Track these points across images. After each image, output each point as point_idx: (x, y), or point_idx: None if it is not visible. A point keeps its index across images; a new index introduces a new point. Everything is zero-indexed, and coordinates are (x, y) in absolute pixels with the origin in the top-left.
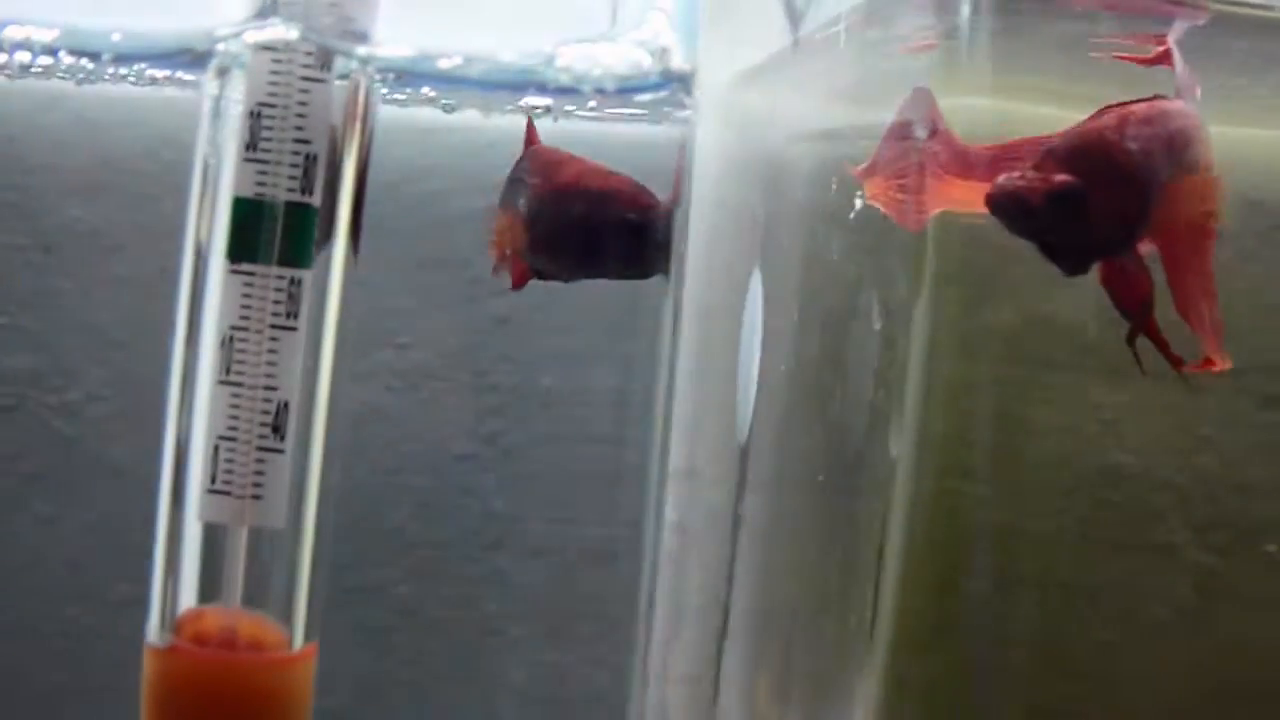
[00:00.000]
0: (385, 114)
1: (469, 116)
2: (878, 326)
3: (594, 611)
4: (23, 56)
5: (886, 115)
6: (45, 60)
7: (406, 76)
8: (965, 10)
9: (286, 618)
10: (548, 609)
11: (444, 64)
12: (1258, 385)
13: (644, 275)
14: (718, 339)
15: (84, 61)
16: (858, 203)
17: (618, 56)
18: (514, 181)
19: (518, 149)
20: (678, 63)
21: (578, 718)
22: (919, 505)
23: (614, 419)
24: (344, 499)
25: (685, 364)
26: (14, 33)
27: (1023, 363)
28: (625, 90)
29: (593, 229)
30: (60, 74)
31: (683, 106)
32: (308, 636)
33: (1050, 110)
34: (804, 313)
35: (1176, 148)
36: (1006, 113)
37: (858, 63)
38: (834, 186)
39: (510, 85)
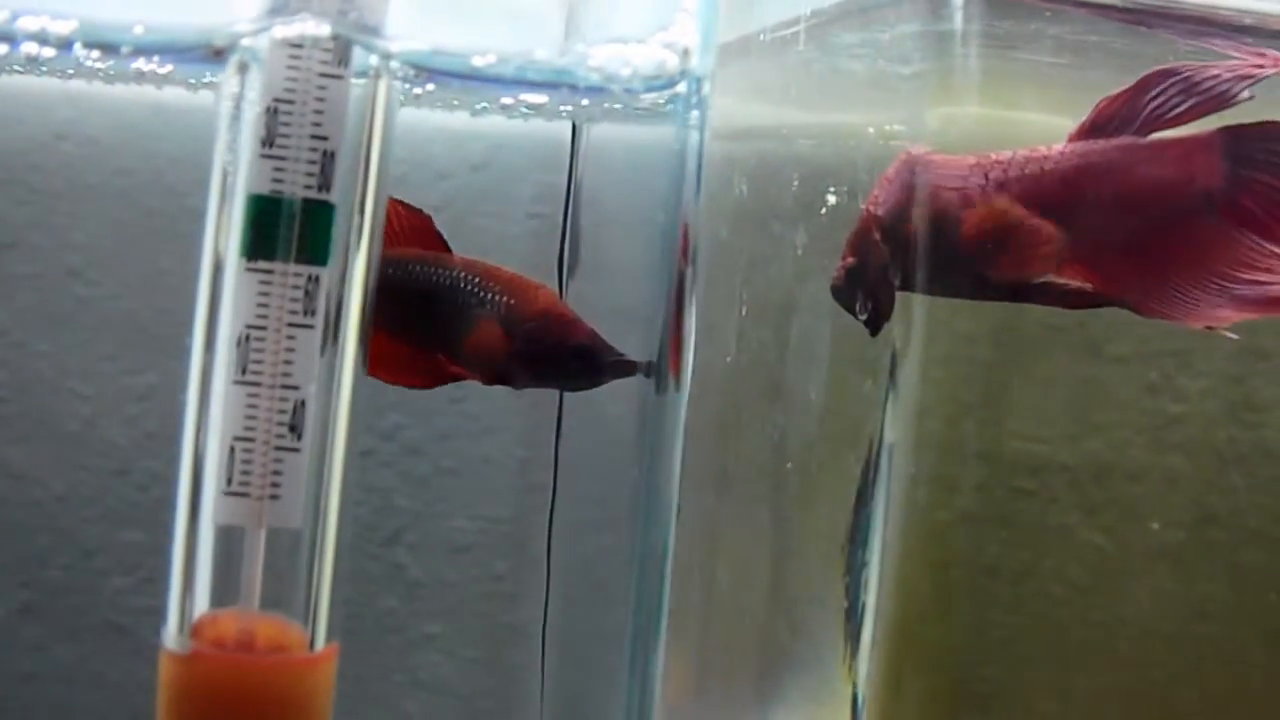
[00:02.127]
0: None
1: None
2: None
3: (496, 606)
4: (31, 48)
5: (855, 117)
6: (49, 53)
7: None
8: (958, 18)
9: (306, 618)
10: (448, 604)
11: (478, 61)
12: (1141, 373)
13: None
14: None
15: (96, 54)
16: (830, 199)
17: (645, 57)
18: (470, 294)
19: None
20: (697, 64)
21: (481, 713)
22: (917, 489)
23: (522, 417)
24: None
25: None
26: (28, 23)
27: (1011, 347)
28: (651, 90)
29: (592, 358)
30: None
31: (701, 107)
32: (328, 637)
33: (1042, 117)
34: (754, 306)
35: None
36: (999, 120)
37: (820, 64)
38: (795, 183)
39: (546, 85)
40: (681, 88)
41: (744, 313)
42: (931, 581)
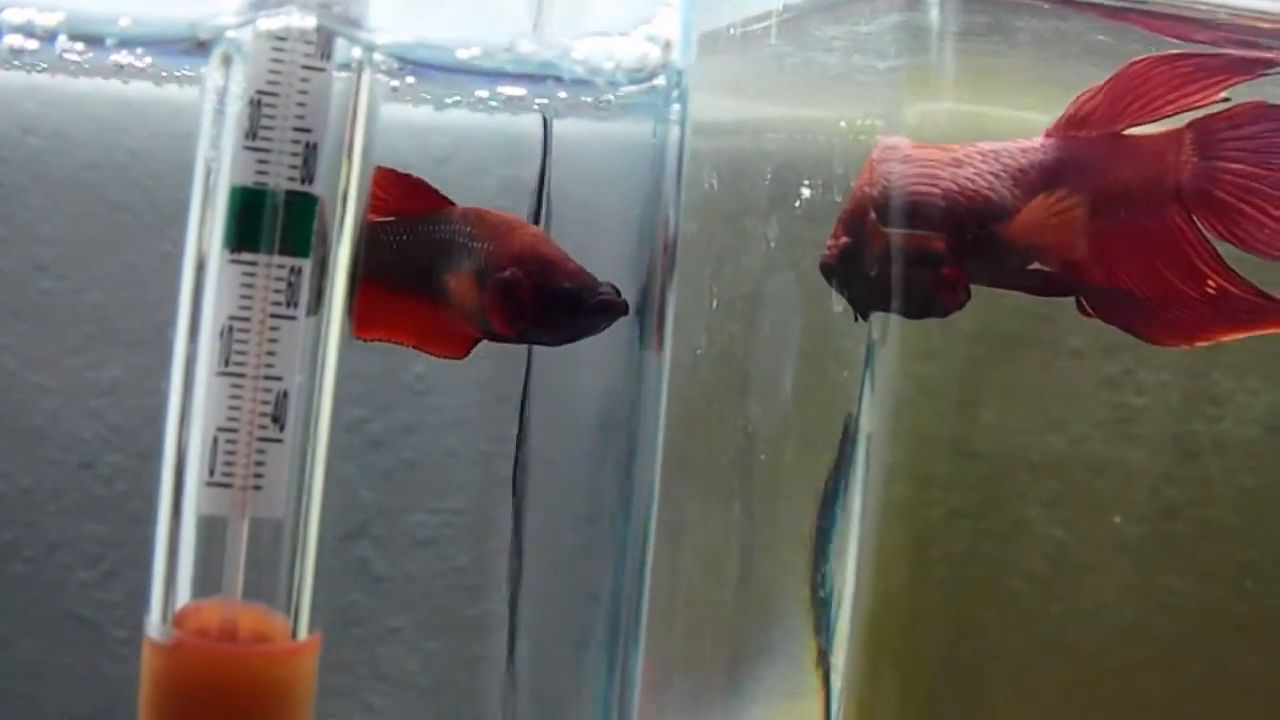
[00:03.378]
0: None
1: None
2: (839, 309)
3: (459, 599)
4: (15, 40)
5: (829, 111)
6: (32, 45)
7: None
8: (934, 13)
9: (289, 608)
10: (411, 598)
11: (463, 54)
12: (1099, 367)
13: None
14: None
15: (80, 47)
16: (804, 192)
17: (628, 50)
18: (446, 243)
19: None
20: (678, 57)
21: (447, 707)
22: (895, 480)
23: (487, 410)
24: None
25: None
26: (13, 15)
27: (986, 341)
28: (633, 82)
29: (575, 301)
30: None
31: (682, 100)
32: (311, 627)
33: (1019, 113)
34: (724, 299)
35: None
36: (975, 115)
37: (793, 58)
38: (767, 177)
39: (529, 78)
40: (661, 80)
41: (714, 305)
42: (908, 572)
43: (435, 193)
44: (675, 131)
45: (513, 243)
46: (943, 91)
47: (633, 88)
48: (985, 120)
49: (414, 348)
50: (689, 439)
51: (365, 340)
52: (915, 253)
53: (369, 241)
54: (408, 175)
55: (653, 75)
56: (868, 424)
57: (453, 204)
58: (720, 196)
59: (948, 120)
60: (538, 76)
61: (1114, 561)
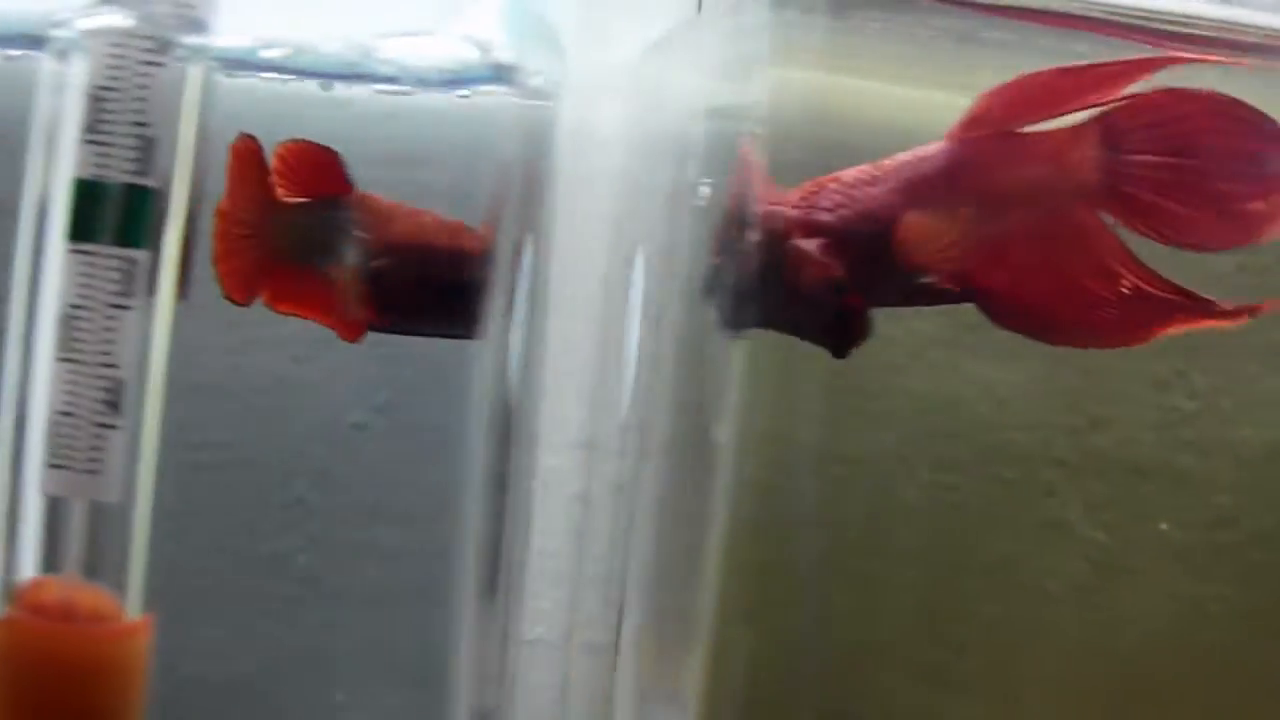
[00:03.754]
0: None
1: None
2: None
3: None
4: None
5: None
6: None
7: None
8: None
9: (122, 589)
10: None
11: (268, 54)
12: (1149, 367)
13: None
14: (616, 312)
15: None
16: (703, 189)
17: (442, 49)
18: (337, 231)
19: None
20: (503, 56)
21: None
22: (740, 492)
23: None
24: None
25: (588, 335)
26: None
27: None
28: (450, 83)
29: (443, 290)
30: None
31: (508, 97)
32: (144, 608)
33: (885, 86)
34: (667, 294)
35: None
36: (840, 87)
37: (732, 43)
38: (688, 166)
39: (335, 75)
40: (488, 77)
41: (667, 300)
42: (741, 585)
43: (342, 172)
44: (504, 123)
45: (388, 232)
46: (807, 63)
47: (465, 86)
48: (843, 91)
49: (321, 324)
50: (644, 433)
51: (280, 313)
52: (783, 267)
53: (282, 221)
54: (319, 151)
55: (477, 75)
56: (720, 434)
57: (352, 186)
58: (673, 186)
59: (804, 90)
60: (347, 76)
61: (1158, 567)
